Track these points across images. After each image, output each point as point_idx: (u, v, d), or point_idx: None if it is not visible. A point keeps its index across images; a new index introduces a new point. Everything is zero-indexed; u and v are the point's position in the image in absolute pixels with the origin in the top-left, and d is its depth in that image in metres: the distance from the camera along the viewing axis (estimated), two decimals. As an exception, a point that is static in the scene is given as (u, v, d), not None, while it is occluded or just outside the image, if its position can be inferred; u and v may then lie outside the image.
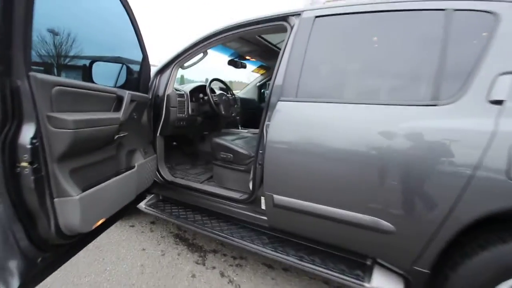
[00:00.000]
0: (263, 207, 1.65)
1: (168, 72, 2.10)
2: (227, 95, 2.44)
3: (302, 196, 1.38)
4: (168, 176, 2.17)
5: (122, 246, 2.06)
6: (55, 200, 1.10)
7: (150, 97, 2.07)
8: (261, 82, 3.50)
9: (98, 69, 1.84)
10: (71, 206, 1.12)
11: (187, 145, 2.85)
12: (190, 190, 2.05)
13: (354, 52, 1.39)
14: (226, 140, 2.07)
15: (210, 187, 2.03)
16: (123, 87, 1.73)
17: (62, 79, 1.09)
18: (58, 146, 1.07)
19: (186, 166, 2.60)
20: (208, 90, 2.20)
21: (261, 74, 3.45)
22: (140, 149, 1.82)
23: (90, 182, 1.27)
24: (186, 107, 2.24)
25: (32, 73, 0.97)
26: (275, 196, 1.49)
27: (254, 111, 3.46)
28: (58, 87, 1.06)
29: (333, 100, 1.34)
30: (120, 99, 1.48)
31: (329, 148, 1.28)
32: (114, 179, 1.41)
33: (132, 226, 2.36)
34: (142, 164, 1.78)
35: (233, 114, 2.49)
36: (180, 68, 2.14)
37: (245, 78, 4.65)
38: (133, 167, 1.66)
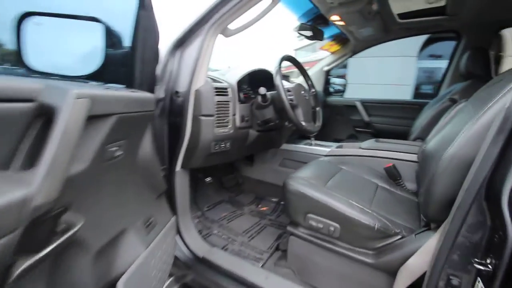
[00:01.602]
0: None
1: (196, 44, 1.01)
2: (305, 88, 1.31)
3: None
4: (199, 246, 1.12)
5: None
6: None
7: (161, 96, 1.01)
8: (331, 66, 2.31)
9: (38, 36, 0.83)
10: None
11: (226, 173, 1.80)
12: (241, 285, 0.99)
13: None
14: (318, 189, 0.97)
15: (284, 283, 0.96)
16: (97, 76, 0.70)
17: None
18: None
19: (224, 212, 1.55)
20: (278, 79, 1.08)
21: (333, 53, 2.26)
22: (132, 228, 0.76)
23: None
24: (232, 115, 1.15)
25: None
26: None
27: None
28: None
29: None
30: (49, 115, 0.41)
31: None
32: None
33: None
34: (137, 268, 0.73)
35: (317, 125, 1.38)
36: (221, 35, 1.04)
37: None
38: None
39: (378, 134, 2.26)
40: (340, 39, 2.11)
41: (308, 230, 1.00)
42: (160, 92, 1.00)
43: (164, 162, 1.06)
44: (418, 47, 7.13)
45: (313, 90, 1.38)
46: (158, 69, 0.97)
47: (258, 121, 1.24)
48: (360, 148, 1.48)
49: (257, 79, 1.42)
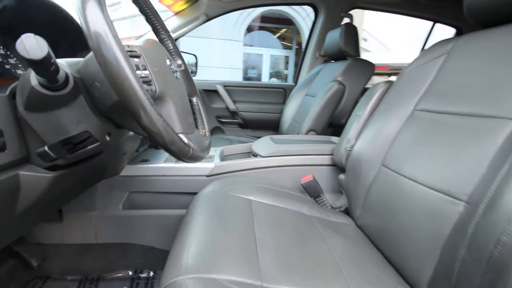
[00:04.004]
0: None
1: None
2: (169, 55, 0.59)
3: None
4: None
5: None
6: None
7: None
8: (179, 33, 1.61)
9: None
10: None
11: None
12: None
13: None
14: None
15: None
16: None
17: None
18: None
19: None
20: (100, 18, 0.31)
21: (178, 13, 1.56)
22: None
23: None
24: None
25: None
26: None
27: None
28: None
29: None
30: None
31: None
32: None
33: None
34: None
35: (202, 132, 0.70)
36: None
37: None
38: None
39: (246, 124, 1.89)
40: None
41: None
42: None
43: None
44: (243, 34, 7.63)
45: (179, 61, 0.68)
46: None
47: (43, 148, 0.41)
48: (257, 155, 0.99)
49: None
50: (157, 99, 0.43)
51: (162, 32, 0.63)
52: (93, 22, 0.30)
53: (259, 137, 1.82)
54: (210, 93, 1.84)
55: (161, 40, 0.64)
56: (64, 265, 0.88)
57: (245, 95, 1.87)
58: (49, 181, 0.47)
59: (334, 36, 1.39)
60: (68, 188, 0.56)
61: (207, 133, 0.66)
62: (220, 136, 1.65)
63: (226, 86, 1.83)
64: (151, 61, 0.42)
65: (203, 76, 2.04)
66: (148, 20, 0.59)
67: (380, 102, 0.84)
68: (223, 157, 1.14)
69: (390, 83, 0.85)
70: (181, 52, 2.11)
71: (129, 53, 0.37)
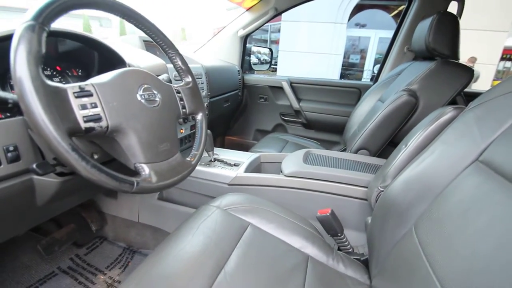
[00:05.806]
0: None
1: None
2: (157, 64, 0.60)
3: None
4: None
5: None
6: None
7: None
8: (248, 29, 1.62)
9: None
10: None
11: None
12: None
13: None
14: None
15: None
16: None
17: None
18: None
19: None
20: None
21: (249, 9, 1.57)
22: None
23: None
24: None
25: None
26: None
27: (230, 101, 1.66)
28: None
29: None
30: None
31: None
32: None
33: None
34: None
35: (195, 159, 0.71)
36: None
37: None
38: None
39: (310, 125, 1.77)
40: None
41: None
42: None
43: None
44: (347, 15, 6.92)
45: (188, 79, 0.67)
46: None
47: (32, 165, 0.51)
48: (283, 174, 0.92)
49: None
50: (114, 132, 0.46)
51: (169, 50, 0.64)
52: (19, 68, 0.34)
53: (321, 140, 1.69)
54: (275, 90, 1.80)
55: (170, 59, 0.66)
56: (116, 233, 1.11)
57: (313, 94, 1.73)
58: (58, 185, 0.58)
59: (423, 28, 1.07)
60: (84, 185, 0.69)
61: (197, 157, 0.65)
62: (277, 135, 1.61)
63: (292, 83, 1.74)
64: (110, 96, 0.44)
65: (289, 63, 1.99)
66: (154, 40, 0.62)
67: (438, 135, 0.61)
68: (258, 164, 1.12)
69: (460, 110, 0.60)
70: (256, 45, 2.11)
71: (75, 94, 0.40)
